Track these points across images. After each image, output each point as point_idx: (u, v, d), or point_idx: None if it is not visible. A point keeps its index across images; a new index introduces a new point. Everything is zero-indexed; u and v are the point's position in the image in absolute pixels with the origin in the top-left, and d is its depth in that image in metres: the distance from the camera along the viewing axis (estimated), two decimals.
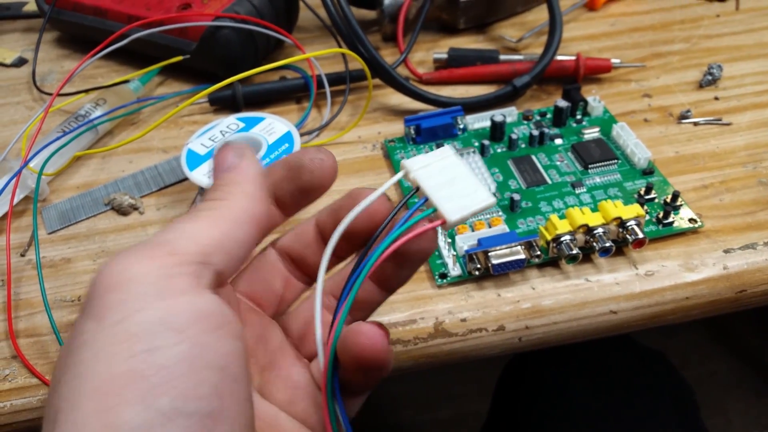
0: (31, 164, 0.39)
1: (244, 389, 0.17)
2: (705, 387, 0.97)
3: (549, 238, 0.32)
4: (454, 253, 0.33)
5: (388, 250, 0.20)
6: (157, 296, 0.16)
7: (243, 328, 0.18)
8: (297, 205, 0.23)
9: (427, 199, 0.21)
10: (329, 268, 0.21)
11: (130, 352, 0.15)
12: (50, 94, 0.45)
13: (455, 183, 0.22)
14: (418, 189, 0.22)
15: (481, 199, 0.21)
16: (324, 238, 0.24)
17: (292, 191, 0.22)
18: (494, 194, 0.20)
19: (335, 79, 0.46)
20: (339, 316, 0.20)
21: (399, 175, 0.22)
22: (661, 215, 0.34)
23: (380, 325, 0.20)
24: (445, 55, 0.48)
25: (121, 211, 0.38)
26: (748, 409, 0.96)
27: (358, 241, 0.23)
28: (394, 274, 0.23)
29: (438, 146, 0.40)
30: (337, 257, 0.24)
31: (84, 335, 0.16)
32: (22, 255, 0.36)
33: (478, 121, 0.41)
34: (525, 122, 0.41)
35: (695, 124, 0.41)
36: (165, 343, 0.16)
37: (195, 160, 0.36)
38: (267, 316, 0.24)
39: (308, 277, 0.25)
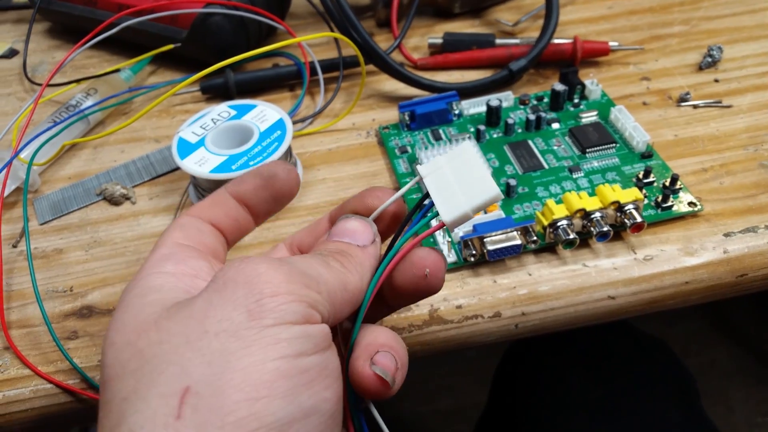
0: (22, 155, 0.39)
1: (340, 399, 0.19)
2: (706, 375, 0.97)
3: (546, 223, 0.31)
4: (450, 239, 0.33)
5: (397, 256, 0.22)
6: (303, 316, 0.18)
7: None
8: (268, 212, 0.25)
9: (432, 205, 0.23)
10: None
11: (280, 353, 0.17)
12: (41, 85, 0.44)
13: (464, 181, 0.22)
14: (427, 195, 0.23)
15: (481, 194, 0.22)
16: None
17: (266, 198, 0.24)
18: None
19: (328, 66, 0.45)
20: (353, 327, 0.22)
21: (415, 179, 0.24)
22: (660, 199, 0.33)
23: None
24: (440, 40, 0.47)
25: (113, 201, 0.38)
26: (749, 396, 0.96)
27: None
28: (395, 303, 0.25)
29: (433, 133, 0.39)
30: None
31: (230, 324, 0.17)
32: (14, 246, 0.36)
33: (474, 107, 0.41)
34: (521, 107, 0.41)
35: (695, 106, 0.40)
36: (306, 352, 0.18)
37: (186, 148, 0.35)
38: None
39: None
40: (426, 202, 0.23)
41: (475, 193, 0.22)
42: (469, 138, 0.23)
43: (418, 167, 0.23)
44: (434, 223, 0.23)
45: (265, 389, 0.16)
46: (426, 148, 0.37)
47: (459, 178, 0.22)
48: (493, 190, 0.22)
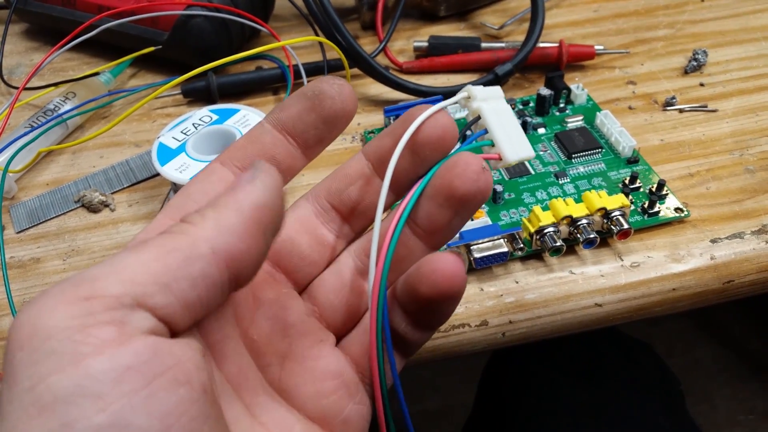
0: None
1: None
2: (690, 374, 0.97)
3: (532, 230, 0.31)
4: None
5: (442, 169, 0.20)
6: (72, 355, 0.14)
7: (200, 362, 0.15)
8: (321, 141, 0.21)
9: (485, 132, 0.21)
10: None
11: (43, 428, 0.13)
12: (17, 88, 0.43)
13: (508, 125, 0.22)
14: (479, 119, 0.22)
15: (528, 149, 0.22)
16: (376, 169, 0.21)
17: (316, 123, 0.20)
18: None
19: (313, 69, 0.44)
20: (391, 233, 0.19)
21: (461, 95, 0.22)
22: (646, 205, 0.33)
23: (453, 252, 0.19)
24: (425, 44, 0.46)
25: (92, 208, 0.37)
26: (733, 394, 0.96)
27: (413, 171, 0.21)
28: (442, 223, 0.20)
29: None
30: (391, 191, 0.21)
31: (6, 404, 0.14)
32: None
33: (460, 111, 0.40)
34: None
35: (680, 111, 0.40)
36: (83, 414, 0.13)
37: (166, 154, 0.35)
38: (287, 287, 0.21)
39: (348, 225, 0.22)
40: (472, 130, 0.22)
41: (522, 144, 0.22)
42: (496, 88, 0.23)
43: (470, 86, 0.22)
44: (489, 151, 0.22)
45: None
46: None
47: (507, 124, 0.22)
48: (531, 151, 0.22)
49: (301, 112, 0.20)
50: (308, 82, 0.43)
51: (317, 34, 0.45)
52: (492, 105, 0.22)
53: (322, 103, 0.20)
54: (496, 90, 0.23)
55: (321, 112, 0.20)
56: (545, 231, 0.31)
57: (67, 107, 0.42)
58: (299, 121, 0.20)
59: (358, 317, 0.22)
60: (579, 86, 0.40)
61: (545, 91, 0.39)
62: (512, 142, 0.21)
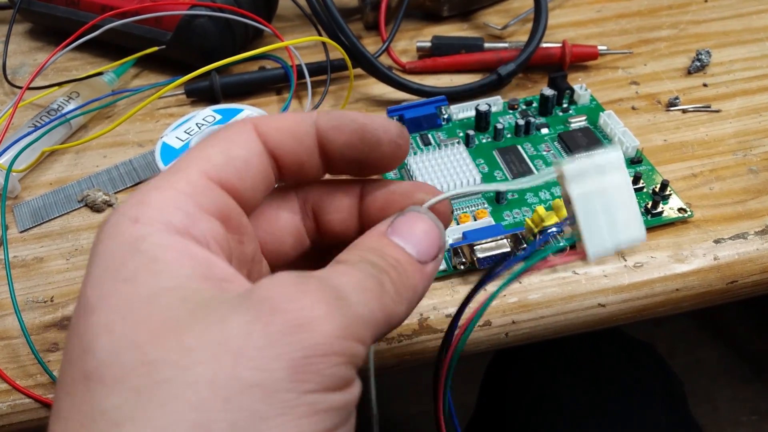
0: (1, 161, 0.38)
1: None
2: (692, 374, 0.97)
3: (536, 230, 0.31)
4: None
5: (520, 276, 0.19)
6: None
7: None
8: (344, 172, 0.20)
9: (571, 222, 0.19)
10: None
11: (313, 428, 0.14)
12: (21, 88, 0.43)
13: (610, 207, 0.18)
14: (567, 203, 0.19)
15: (631, 236, 0.18)
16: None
17: (350, 161, 0.19)
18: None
19: (316, 69, 0.44)
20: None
21: (550, 175, 0.19)
22: (649, 205, 0.33)
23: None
24: (428, 44, 0.46)
25: (95, 208, 0.37)
26: (735, 395, 0.96)
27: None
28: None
29: (422, 138, 0.39)
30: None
31: (267, 378, 0.14)
32: None
33: (463, 111, 0.40)
34: (510, 111, 0.40)
35: (684, 111, 0.40)
36: (336, 425, 0.15)
37: (170, 153, 0.35)
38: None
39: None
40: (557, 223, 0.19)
41: (621, 229, 0.18)
42: (615, 152, 0.18)
43: (565, 166, 0.18)
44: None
45: None
46: (415, 153, 0.37)
47: (607, 205, 0.18)
48: (641, 234, 0.18)
49: (344, 144, 0.19)
50: (311, 82, 0.43)
51: (320, 35, 0.45)
52: (591, 185, 0.18)
53: (371, 152, 0.19)
54: (611, 157, 0.18)
55: (361, 157, 0.19)
56: (548, 231, 0.31)
57: (70, 107, 0.42)
58: (337, 147, 0.19)
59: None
60: (582, 86, 0.40)
61: (548, 92, 0.39)
62: (602, 233, 0.18)
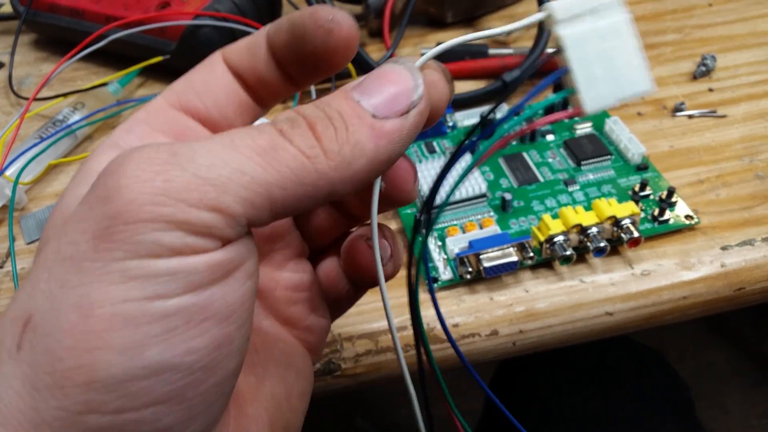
0: (7, 172, 0.38)
1: (246, 330, 0.15)
2: (702, 378, 0.97)
3: (542, 238, 0.31)
4: (445, 257, 0.32)
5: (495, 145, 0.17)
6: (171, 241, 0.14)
7: (257, 259, 0.16)
8: (300, 76, 0.19)
9: (567, 71, 0.16)
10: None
11: (124, 296, 0.13)
12: (27, 99, 0.43)
13: (608, 51, 0.16)
14: (559, 51, 0.16)
15: (634, 86, 0.16)
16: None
17: (296, 61, 0.18)
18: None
19: None
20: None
21: (538, 16, 0.17)
22: (656, 212, 0.33)
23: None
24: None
25: None
26: (745, 398, 0.96)
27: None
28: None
29: (427, 145, 0.39)
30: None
31: (75, 251, 0.14)
32: (0, 267, 0.35)
33: (468, 118, 0.40)
34: (515, 118, 0.40)
35: (690, 116, 0.40)
36: (168, 294, 0.14)
37: None
38: None
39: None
40: (555, 70, 0.17)
41: (622, 78, 0.16)
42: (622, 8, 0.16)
43: (554, 6, 0.16)
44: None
45: (97, 340, 0.13)
46: (420, 161, 0.37)
47: (605, 53, 0.16)
48: (646, 84, 0.16)
49: (283, 45, 0.18)
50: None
51: None
52: (584, 26, 0.16)
53: (305, 40, 0.17)
54: (614, 12, 0.16)
55: (303, 50, 0.18)
56: (555, 240, 0.31)
57: (75, 117, 0.42)
58: (280, 52, 0.18)
59: (334, 238, 0.23)
60: None
61: (554, 98, 0.39)
62: (600, 82, 0.16)
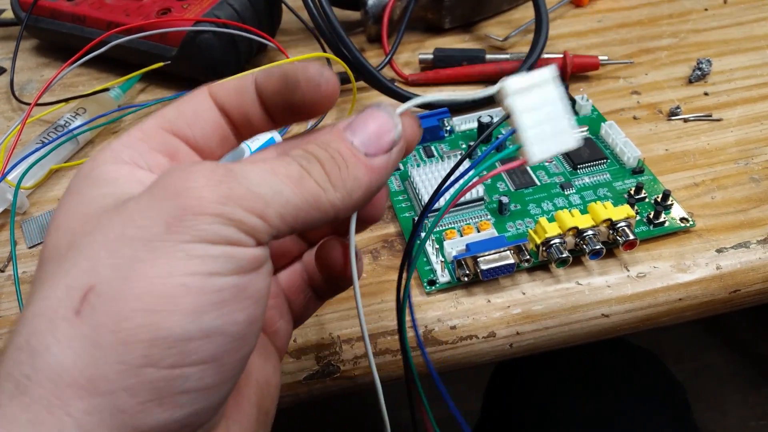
0: (9, 177, 0.38)
1: (262, 317, 0.19)
2: (700, 380, 0.97)
3: (538, 241, 0.31)
4: (443, 260, 0.33)
5: (473, 182, 0.21)
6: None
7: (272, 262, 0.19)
8: (283, 119, 0.21)
9: (514, 132, 0.20)
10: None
11: (190, 269, 0.16)
12: (29, 104, 0.44)
13: (546, 116, 0.20)
14: (508, 117, 0.20)
15: (565, 141, 0.20)
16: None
17: (282, 107, 0.21)
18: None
19: None
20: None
21: (492, 90, 0.20)
22: (651, 215, 0.33)
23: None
24: (430, 56, 0.47)
25: None
26: (743, 400, 0.96)
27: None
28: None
29: (425, 150, 0.39)
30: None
31: (146, 233, 0.16)
32: (1, 271, 0.36)
33: (465, 123, 0.41)
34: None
35: (685, 120, 0.41)
36: (222, 272, 0.17)
37: None
38: None
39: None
40: (503, 130, 0.20)
41: (557, 136, 0.20)
42: (548, 69, 0.20)
43: (506, 82, 0.20)
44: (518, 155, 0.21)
45: (165, 303, 0.16)
46: (418, 165, 0.37)
47: (543, 115, 0.20)
48: (573, 141, 0.21)
49: (274, 93, 0.20)
50: None
51: (323, 48, 0.46)
52: (529, 98, 0.20)
53: (294, 92, 0.20)
54: (544, 73, 0.20)
55: (290, 100, 0.20)
56: (551, 242, 0.31)
57: (77, 123, 0.43)
58: (269, 96, 0.21)
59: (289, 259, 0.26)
60: (584, 97, 0.41)
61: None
62: (542, 139, 0.20)
